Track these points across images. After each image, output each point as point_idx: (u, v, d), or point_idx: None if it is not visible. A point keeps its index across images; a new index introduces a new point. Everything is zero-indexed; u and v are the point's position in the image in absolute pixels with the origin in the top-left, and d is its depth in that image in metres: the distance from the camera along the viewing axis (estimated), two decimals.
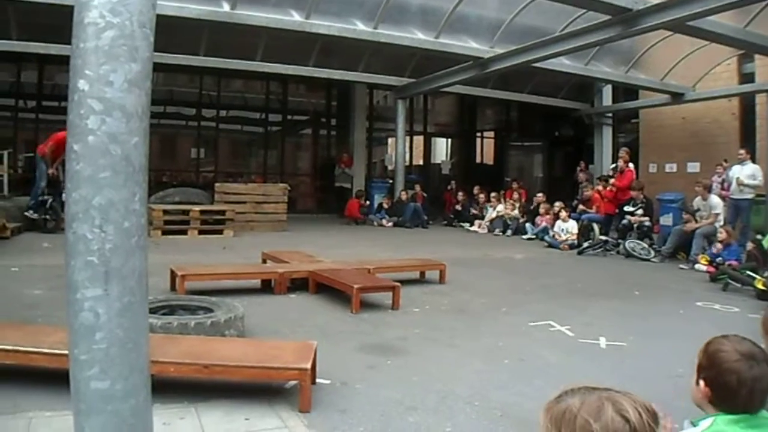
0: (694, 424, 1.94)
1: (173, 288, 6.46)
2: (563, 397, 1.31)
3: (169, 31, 12.58)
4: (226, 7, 11.18)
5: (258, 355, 3.86)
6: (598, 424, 1.22)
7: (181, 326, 4.44)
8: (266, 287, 6.97)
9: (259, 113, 19.71)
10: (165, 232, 11.76)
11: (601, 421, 1.22)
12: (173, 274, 6.52)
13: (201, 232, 12.11)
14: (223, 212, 12.63)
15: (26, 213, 11.54)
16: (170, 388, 3.63)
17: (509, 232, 15.11)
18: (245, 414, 3.49)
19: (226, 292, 6.32)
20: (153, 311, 4.80)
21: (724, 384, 1.91)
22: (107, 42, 1.94)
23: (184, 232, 11.98)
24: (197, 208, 12.37)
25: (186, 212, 12.20)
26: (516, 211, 15.64)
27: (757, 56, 14.48)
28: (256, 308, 5.87)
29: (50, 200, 11.50)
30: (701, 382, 1.98)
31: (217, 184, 14.11)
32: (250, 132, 20.28)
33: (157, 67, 13.04)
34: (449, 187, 18.74)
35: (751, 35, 11.04)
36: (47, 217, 11.55)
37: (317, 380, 3.95)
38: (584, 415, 1.24)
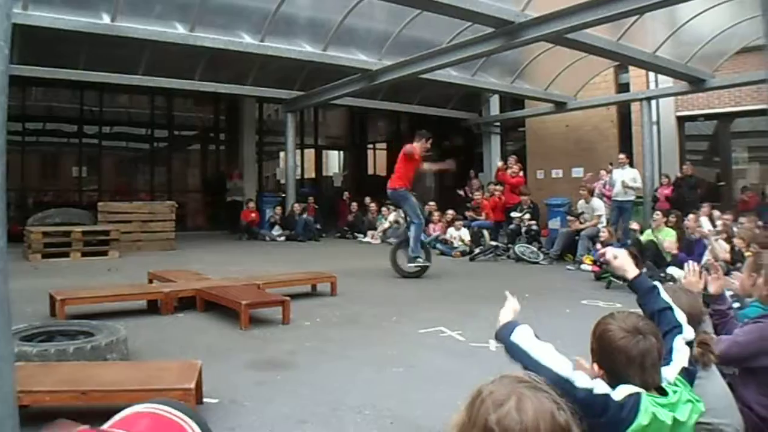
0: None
1: (53, 314, 6.15)
2: (490, 382, 1.31)
3: (46, 44, 12.08)
4: (106, 19, 10.75)
5: (140, 378, 3.73)
6: (495, 416, 1.21)
7: (59, 353, 4.24)
8: (153, 308, 6.73)
9: (145, 129, 19.10)
10: (45, 256, 11.21)
11: (498, 413, 1.22)
12: (52, 299, 6.21)
13: (84, 254, 11.61)
14: (107, 232, 12.14)
15: (415, 262, 9.76)
16: (49, 418, 3.44)
17: None
18: None
19: (111, 315, 6.08)
20: (29, 339, 4.57)
21: (614, 364, 1.97)
22: None
23: (66, 255, 11.46)
24: (79, 229, 11.84)
25: (67, 234, 11.66)
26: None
27: (630, 67, 15.38)
28: (141, 330, 5.69)
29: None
30: (595, 366, 2.05)
31: (100, 204, 13.55)
32: (136, 149, 19.62)
33: (34, 82, 12.56)
34: (344, 199, 18.81)
35: (623, 48, 11.72)
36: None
37: (204, 400, 3.86)
38: (488, 403, 1.24)
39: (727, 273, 6.98)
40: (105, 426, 1.18)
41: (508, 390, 1.26)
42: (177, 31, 11.46)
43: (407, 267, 9.91)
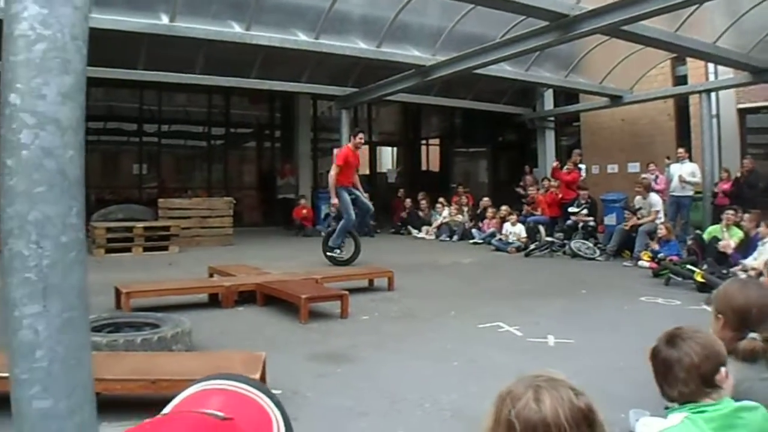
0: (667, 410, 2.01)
1: (118, 306, 6.31)
2: (516, 380, 1.33)
3: (107, 45, 12.37)
4: (165, 20, 10.97)
5: (206, 368, 3.80)
6: (515, 409, 1.24)
7: (127, 343, 4.37)
8: (214, 302, 6.89)
9: (202, 127, 19.44)
10: (108, 251, 11.53)
11: (517, 407, 1.24)
12: (118, 292, 6.38)
13: (145, 249, 11.90)
14: (167, 228, 12.43)
15: (331, 253, 10.09)
16: (119, 406, 3.57)
17: (455, 237, 15.25)
18: None
19: (173, 308, 6.23)
20: (98, 329, 4.73)
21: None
22: (38, 55, 1.91)
23: (128, 250, 11.76)
24: (141, 224, 12.15)
25: (129, 229, 11.98)
26: (465, 216, 15.80)
27: (688, 59, 15.00)
28: (203, 323, 5.81)
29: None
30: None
31: (160, 200, 13.88)
32: (194, 146, 20.00)
33: (96, 82, 12.79)
34: (399, 195, 18.83)
35: (681, 39, 11.41)
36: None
37: None
38: (509, 399, 1.26)
39: None
40: (170, 405, 1.13)
41: (525, 385, 1.29)
42: (233, 30, 11.62)
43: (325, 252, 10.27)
